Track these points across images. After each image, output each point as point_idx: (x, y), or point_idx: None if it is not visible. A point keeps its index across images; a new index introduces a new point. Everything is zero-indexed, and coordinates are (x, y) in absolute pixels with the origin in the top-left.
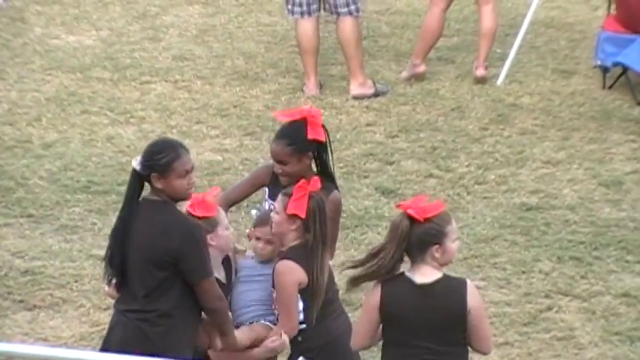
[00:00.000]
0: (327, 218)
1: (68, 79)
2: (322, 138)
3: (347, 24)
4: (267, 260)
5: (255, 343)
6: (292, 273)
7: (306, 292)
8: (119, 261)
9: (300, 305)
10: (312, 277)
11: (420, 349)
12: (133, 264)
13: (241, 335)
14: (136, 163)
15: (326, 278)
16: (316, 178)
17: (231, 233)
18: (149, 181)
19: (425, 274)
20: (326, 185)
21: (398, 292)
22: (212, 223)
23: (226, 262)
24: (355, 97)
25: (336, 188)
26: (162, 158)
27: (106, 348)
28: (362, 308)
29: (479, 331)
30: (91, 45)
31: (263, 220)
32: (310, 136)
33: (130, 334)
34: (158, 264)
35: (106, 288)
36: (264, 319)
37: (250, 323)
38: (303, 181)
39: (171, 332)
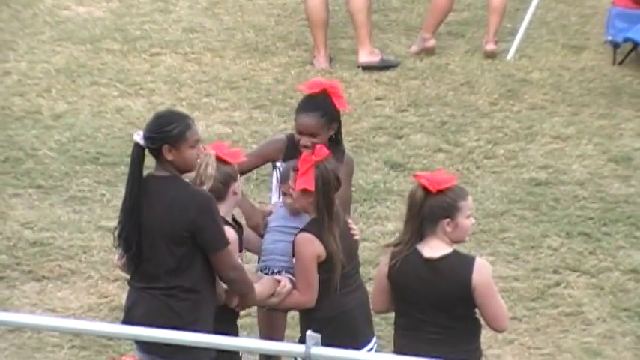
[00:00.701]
0: (342, 181)
1: (78, 50)
2: (345, 107)
3: None
4: (297, 213)
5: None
6: (311, 245)
7: (324, 266)
8: (135, 240)
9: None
10: (329, 248)
11: (424, 322)
12: (150, 242)
13: (263, 288)
14: (139, 138)
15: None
16: (320, 145)
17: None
18: (157, 155)
19: (434, 248)
20: (339, 149)
21: (404, 264)
22: (237, 172)
23: (233, 224)
24: (362, 66)
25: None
26: (174, 129)
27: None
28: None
29: (488, 308)
30: (101, 16)
31: (284, 177)
32: (338, 106)
33: (156, 309)
34: (177, 240)
35: (116, 260)
36: (288, 271)
37: (275, 272)
38: (305, 153)
39: (197, 306)
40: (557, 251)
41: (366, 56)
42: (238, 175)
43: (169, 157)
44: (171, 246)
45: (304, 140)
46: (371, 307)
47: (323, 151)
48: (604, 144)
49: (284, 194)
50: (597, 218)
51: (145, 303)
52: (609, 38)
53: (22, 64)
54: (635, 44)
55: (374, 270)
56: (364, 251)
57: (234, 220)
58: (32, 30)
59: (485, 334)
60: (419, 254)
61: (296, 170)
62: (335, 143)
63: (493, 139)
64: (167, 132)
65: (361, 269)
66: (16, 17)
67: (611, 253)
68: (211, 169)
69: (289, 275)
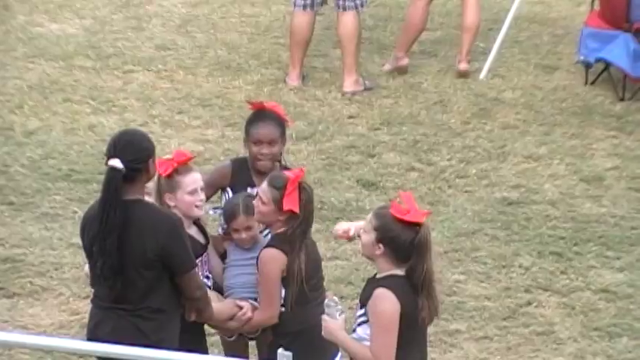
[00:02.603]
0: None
1: (51, 67)
2: (291, 122)
3: (350, 18)
4: (250, 246)
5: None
6: (275, 261)
7: (289, 279)
8: (120, 266)
9: (283, 292)
10: (292, 265)
11: (419, 341)
12: (108, 259)
13: (223, 308)
14: (117, 162)
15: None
16: (301, 168)
17: (201, 202)
18: (135, 176)
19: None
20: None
21: (405, 292)
22: (172, 185)
23: (198, 223)
24: (346, 94)
25: None
26: (150, 142)
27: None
28: (382, 325)
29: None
30: (74, 33)
31: (232, 214)
32: (285, 119)
33: (122, 328)
34: (146, 264)
35: (85, 269)
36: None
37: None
38: (295, 175)
39: (164, 326)
40: (528, 270)
41: (351, 85)
42: (183, 188)
43: (146, 176)
44: (141, 270)
45: (265, 149)
46: None
47: (302, 173)
48: (576, 164)
49: (235, 230)
50: (569, 238)
51: (110, 322)
52: (581, 58)
53: None
54: (607, 64)
55: (346, 288)
56: (336, 270)
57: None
58: (4, 46)
59: (457, 354)
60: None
61: (280, 189)
62: (283, 165)
63: (465, 158)
64: (148, 147)
65: (333, 287)
66: None
67: (583, 273)
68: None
69: (252, 302)
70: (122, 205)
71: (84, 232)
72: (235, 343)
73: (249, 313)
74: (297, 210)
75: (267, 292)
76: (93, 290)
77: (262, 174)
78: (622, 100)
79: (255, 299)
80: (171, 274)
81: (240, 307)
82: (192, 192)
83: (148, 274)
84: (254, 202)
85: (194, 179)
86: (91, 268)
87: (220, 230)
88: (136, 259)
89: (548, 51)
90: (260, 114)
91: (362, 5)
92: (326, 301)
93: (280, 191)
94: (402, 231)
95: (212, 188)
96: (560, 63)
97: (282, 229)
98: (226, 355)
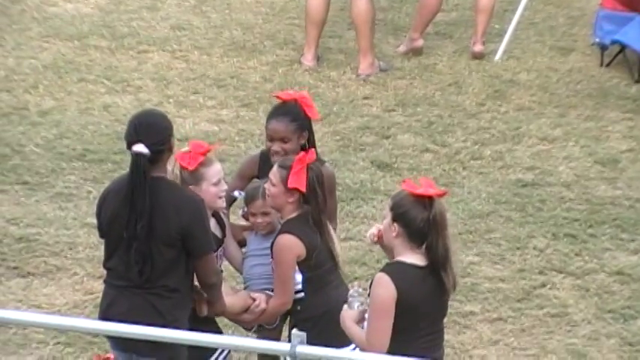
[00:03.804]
0: (325, 188)
1: (66, 46)
2: (317, 116)
3: (363, 2)
4: (268, 232)
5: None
6: (291, 248)
7: (304, 264)
8: (141, 250)
9: (299, 277)
10: (311, 249)
11: (427, 329)
12: (140, 244)
13: (236, 301)
14: (142, 147)
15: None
16: (312, 149)
17: (223, 192)
18: (158, 157)
19: (419, 257)
20: (319, 160)
21: (407, 280)
22: (197, 177)
23: (217, 217)
24: (361, 77)
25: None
26: (169, 123)
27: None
28: (375, 309)
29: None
30: (88, 13)
31: (252, 196)
32: (309, 114)
33: (138, 307)
34: (168, 242)
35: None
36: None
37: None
38: (302, 153)
39: (179, 305)
40: (543, 252)
41: (367, 68)
42: (208, 179)
43: (172, 147)
44: (162, 248)
45: (276, 146)
46: (377, 349)
47: (313, 155)
48: (591, 146)
49: (252, 214)
50: (583, 220)
51: (125, 301)
52: (597, 40)
53: (9, 60)
54: (623, 46)
55: (360, 269)
56: (350, 250)
57: (218, 216)
58: (20, 26)
59: (471, 335)
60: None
61: (287, 168)
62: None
63: (480, 140)
64: (168, 126)
65: (347, 268)
66: (3, 13)
67: (597, 255)
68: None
69: (268, 292)
70: (150, 188)
71: (101, 208)
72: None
73: (263, 305)
74: (303, 188)
75: (281, 279)
76: (105, 267)
77: None
78: (637, 82)
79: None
80: (189, 255)
81: (254, 300)
82: (217, 183)
83: (168, 253)
84: (265, 185)
85: (217, 170)
86: (112, 249)
87: (241, 212)
88: (158, 237)
89: (563, 33)
90: (279, 108)
91: None
92: (351, 290)
93: (287, 170)
94: (414, 206)
95: (244, 179)
96: (575, 45)
97: (293, 214)
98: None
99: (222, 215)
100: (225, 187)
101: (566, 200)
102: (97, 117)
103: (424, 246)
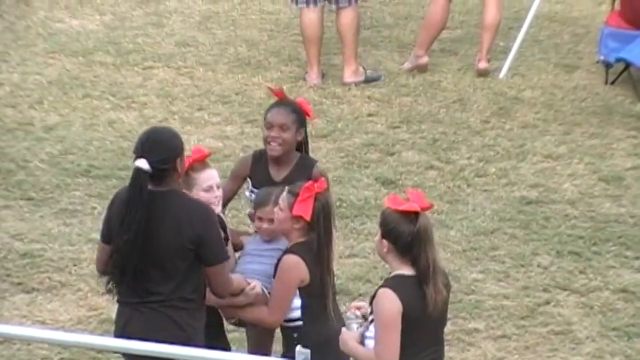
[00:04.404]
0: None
1: (71, 62)
2: (313, 118)
3: (347, 13)
4: (270, 239)
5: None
6: (296, 269)
7: (306, 291)
8: (134, 264)
9: (298, 302)
10: (315, 277)
11: (430, 342)
12: (152, 259)
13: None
14: (143, 163)
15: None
16: (323, 179)
17: (216, 198)
18: (163, 174)
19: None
20: (311, 162)
21: (410, 292)
22: (187, 182)
23: (219, 219)
24: (346, 84)
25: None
26: (179, 141)
27: None
28: (383, 325)
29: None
30: (94, 29)
31: (262, 201)
32: (306, 112)
33: (154, 322)
34: (182, 253)
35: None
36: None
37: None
38: (310, 182)
39: (195, 315)
40: (547, 270)
41: (350, 76)
42: (199, 185)
43: (180, 169)
44: (177, 260)
45: (274, 132)
46: None
47: (323, 184)
48: (595, 163)
49: (259, 219)
50: (588, 237)
51: (141, 317)
52: (602, 58)
53: (15, 76)
54: (628, 64)
55: (364, 286)
56: (354, 267)
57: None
58: (25, 42)
59: (475, 352)
60: (412, 278)
61: (295, 195)
62: (304, 156)
63: (484, 157)
64: (177, 146)
65: (351, 285)
66: (9, 29)
67: (601, 273)
68: None
69: (263, 285)
70: (153, 199)
71: (109, 215)
72: (261, 336)
73: (258, 289)
74: (307, 217)
75: (280, 297)
76: (117, 290)
77: (278, 164)
78: None
79: (268, 290)
80: (202, 263)
81: (248, 283)
82: (208, 189)
83: (183, 264)
84: (275, 209)
85: (210, 176)
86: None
87: (248, 212)
88: (172, 249)
89: (568, 50)
90: (279, 102)
91: (356, 1)
92: (347, 313)
93: (295, 197)
94: (399, 222)
95: (237, 179)
96: (580, 62)
97: (300, 240)
98: (250, 350)
99: (222, 217)
100: (219, 193)
101: (571, 218)
102: (101, 133)
103: (412, 257)
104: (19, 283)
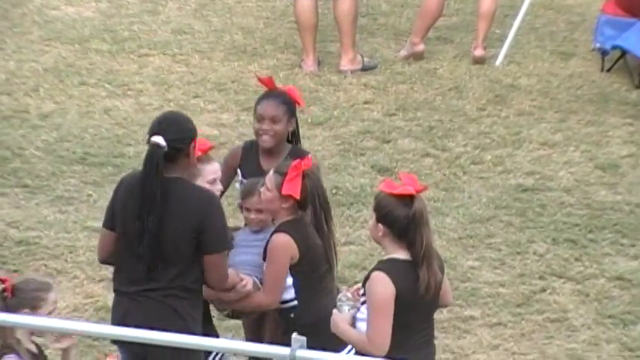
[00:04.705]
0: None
1: (66, 50)
2: (303, 105)
3: (345, 0)
4: (259, 229)
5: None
6: (285, 247)
7: (297, 269)
8: (150, 245)
9: (290, 280)
10: (305, 254)
11: (421, 325)
12: (150, 238)
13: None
14: (160, 139)
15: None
16: (309, 156)
17: (218, 191)
18: (175, 156)
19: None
20: (302, 152)
21: (403, 275)
22: (194, 173)
23: None
24: (343, 72)
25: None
26: (193, 133)
27: None
28: (376, 308)
29: (446, 285)
30: (90, 17)
31: (249, 192)
32: (296, 101)
33: (155, 312)
34: (187, 241)
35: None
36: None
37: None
38: (297, 160)
39: (195, 304)
40: (543, 257)
41: (347, 64)
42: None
43: (191, 155)
44: (180, 247)
45: (265, 125)
46: (378, 351)
47: (310, 161)
48: (591, 151)
49: (247, 209)
50: (583, 225)
51: (141, 308)
52: (598, 45)
53: (10, 63)
54: (624, 52)
55: (360, 274)
56: (350, 255)
57: None
58: (20, 29)
59: (471, 340)
60: (406, 262)
61: (283, 174)
62: (295, 147)
63: (480, 145)
64: (192, 129)
65: (347, 273)
66: (4, 16)
67: (597, 260)
68: None
69: (255, 278)
70: (162, 184)
71: (114, 201)
72: (256, 325)
73: (249, 286)
74: (296, 195)
75: (273, 277)
76: (114, 277)
77: (269, 155)
78: (638, 87)
79: (259, 280)
80: (203, 251)
81: (241, 279)
82: (212, 181)
83: (186, 252)
84: (261, 189)
85: (214, 169)
86: (122, 248)
87: (238, 204)
88: (176, 236)
89: (564, 38)
90: (269, 93)
91: None
92: (339, 295)
93: (283, 176)
94: (395, 206)
95: (229, 169)
96: (576, 50)
97: (288, 218)
98: (246, 332)
99: None
100: (220, 187)
101: (567, 205)
102: (97, 120)
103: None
104: (15, 271)
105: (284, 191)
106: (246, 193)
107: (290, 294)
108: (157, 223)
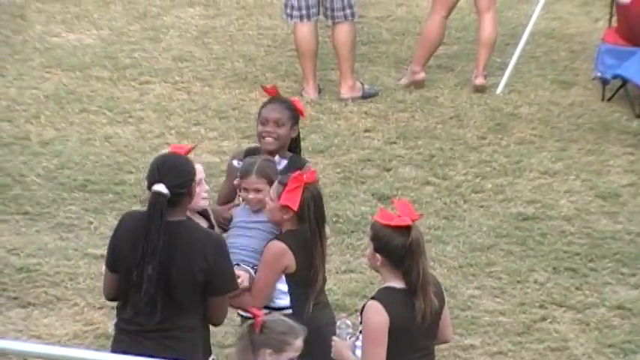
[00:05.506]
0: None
1: (67, 77)
2: (305, 117)
3: (343, 28)
4: (258, 209)
5: None
6: (281, 256)
7: (293, 279)
8: (151, 292)
9: (285, 288)
10: (302, 265)
11: (419, 353)
12: (149, 286)
13: None
14: (162, 187)
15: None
16: (313, 170)
17: (207, 192)
18: (178, 200)
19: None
20: (302, 161)
21: (398, 305)
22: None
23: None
24: (343, 100)
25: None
26: (193, 175)
27: None
28: (369, 337)
29: (446, 319)
30: (91, 44)
31: (247, 172)
32: (299, 109)
33: (155, 354)
34: (194, 285)
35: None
36: (250, 266)
37: (236, 265)
38: (299, 172)
39: (197, 344)
40: (543, 286)
41: (347, 92)
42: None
43: (193, 194)
44: (187, 291)
45: (269, 127)
46: None
47: (313, 175)
48: (592, 180)
49: (244, 189)
50: (584, 254)
51: (141, 348)
52: (598, 74)
53: (11, 90)
54: (624, 81)
55: (360, 302)
56: (350, 283)
57: (204, 212)
58: (22, 56)
59: None
60: (400, 291)
61: (284, 184)
62: (295, 155)
63: (481, 173)
64: (191, 171)
65: (347, 301)
66: (5, 43)
67: (598, 289)
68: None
69: (250, 270)
70: (167, 229)
71: (114, 242)
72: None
73: (246, 283)
74: (294, 207)
75: (263, 282)
76: (118, 313)
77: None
78: (638, 116)
79: (255, 265)
80: (209, 293)
81: (238, 276)
82: (199, 183)
83: (192, 295)
84: (266, 199)
85: (199, 169)
86: (124, 291)
87: (235, 181)
88: (182, 280)
89: (565, 67)
90: (273, 98)
91: (352, 15)
92: (338, 322)
93: (284, 187)
94: (392, 236)
95: (232, 176)
96: (577, 79)
97: (292, 228)
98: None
99: (208, 210)
100: (207, 187)
101: (567, 234)
102: (98, 148)
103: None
104: (15, 298)
105: (282, 201)
106: (244, 174)
107: (284, 302)
108: (158, 270)
